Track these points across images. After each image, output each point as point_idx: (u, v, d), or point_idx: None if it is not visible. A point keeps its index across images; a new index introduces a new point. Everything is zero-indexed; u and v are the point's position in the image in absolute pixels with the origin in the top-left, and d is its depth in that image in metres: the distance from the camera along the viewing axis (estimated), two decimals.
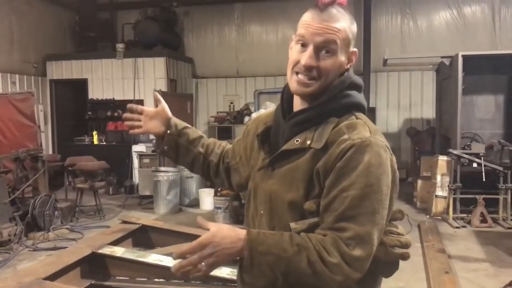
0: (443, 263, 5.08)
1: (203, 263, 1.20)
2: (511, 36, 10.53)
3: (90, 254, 3.05)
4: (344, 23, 1.35)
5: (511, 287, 4.08)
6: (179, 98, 10.92)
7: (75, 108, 11.55)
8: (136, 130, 1.76)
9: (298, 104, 1.43)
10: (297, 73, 1.37)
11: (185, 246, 1.16)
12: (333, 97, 1.38)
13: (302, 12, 1.38)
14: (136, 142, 9.81)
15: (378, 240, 1.28)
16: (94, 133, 10.54)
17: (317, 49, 1.34)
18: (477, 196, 7.12)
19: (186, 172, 8.27)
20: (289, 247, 1.22)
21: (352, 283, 1.24)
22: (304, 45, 1.35)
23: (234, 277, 2.75)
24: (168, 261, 3.03)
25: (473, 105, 8.47)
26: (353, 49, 1.41)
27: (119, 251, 3.11)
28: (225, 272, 2.93)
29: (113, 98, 10.75)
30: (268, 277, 1.24)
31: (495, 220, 7.10)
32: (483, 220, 6.98)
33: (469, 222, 7.09)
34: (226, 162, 1.74)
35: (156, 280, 3.01)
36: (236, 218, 6.65)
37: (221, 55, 12.15)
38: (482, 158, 6.91)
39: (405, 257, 1.40)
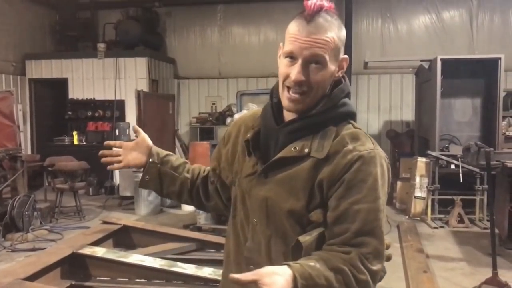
0: (421, 263, 5.16)
1: None
2: (488, 41, 10.74)
3: (71, 255, 3.02)
4: (333, 32, 1.31)
5: (486, 285, 4.19)
6: (160, 98, 10.87)
7: (55, 107, 11.36)
8: (116, 165, 1.67)
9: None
10: (288, 88, 1.33)
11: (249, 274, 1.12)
12: (332, 106, 1.37)
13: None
14: None
15: None
16: (74, 133, 10.42)
17: (306, 63, 1.30)
18: (454, 197, 7.25)
19: None
20: (329, 274, 1.19)
21: None
22: (292, 58, 1.31)
23: (216, 277, 2.76)
24: (150, 261, 3.03)
25: (451, 108, 8.61)
26: (343, 56, 1.37)
27: (100, 252, 3.09)
28: (207, 272, 2.94)
29: (94, 98, 10.64)
30: None
31: (472, 221, 7.24)
32: (461, 221, 7.11)
33: (447, 223, 7.21)
34: (213, 181, 1.65)
35: (137, 280, 3.00)
36: (218, 219, 6.64)
37: (203, 56, 12.10)
38: (459, 159, 7.03)
39: (389, 258, 1.43)
